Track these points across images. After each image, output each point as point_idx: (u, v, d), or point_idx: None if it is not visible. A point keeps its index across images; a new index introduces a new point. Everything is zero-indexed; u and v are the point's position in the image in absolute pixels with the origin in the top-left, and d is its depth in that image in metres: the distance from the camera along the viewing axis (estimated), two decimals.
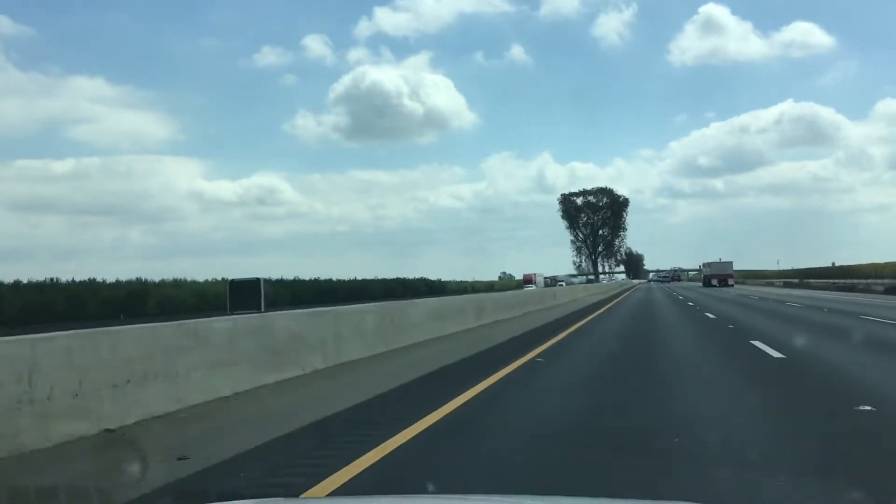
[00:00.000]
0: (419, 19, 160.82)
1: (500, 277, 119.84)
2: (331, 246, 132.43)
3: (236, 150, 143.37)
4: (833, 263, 78.94)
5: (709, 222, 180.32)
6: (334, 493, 3.98)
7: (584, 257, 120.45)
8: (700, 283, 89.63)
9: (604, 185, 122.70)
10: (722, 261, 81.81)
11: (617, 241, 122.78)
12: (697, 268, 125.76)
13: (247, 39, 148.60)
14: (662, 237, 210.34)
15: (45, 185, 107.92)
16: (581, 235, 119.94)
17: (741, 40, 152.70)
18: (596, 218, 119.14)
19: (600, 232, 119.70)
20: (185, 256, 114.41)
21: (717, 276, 76.17)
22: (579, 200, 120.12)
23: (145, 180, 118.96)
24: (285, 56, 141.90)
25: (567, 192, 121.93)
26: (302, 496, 3.91)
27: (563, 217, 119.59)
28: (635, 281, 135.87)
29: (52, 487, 4.21)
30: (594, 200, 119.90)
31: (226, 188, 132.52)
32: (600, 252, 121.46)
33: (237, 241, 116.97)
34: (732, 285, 73.26)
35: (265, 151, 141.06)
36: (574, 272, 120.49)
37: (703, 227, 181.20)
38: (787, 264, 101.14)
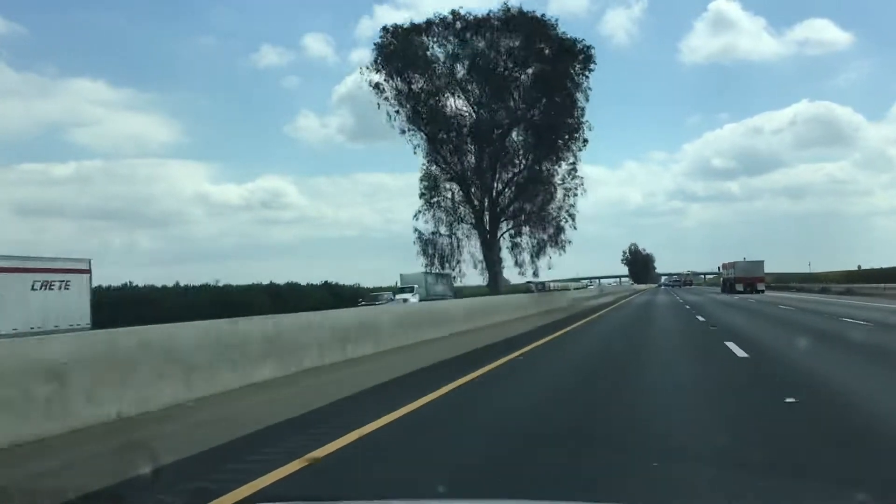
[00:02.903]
0: (419, 18, 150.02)
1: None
2: (339, 250, 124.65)
3: (241, 152, 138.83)
4: (859, 267, 67.18)
5: (723, 226, 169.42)
6: None
7: (453, 222, 37.96)
8: (719, 289, 74.80)
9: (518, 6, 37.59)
10: (748, 260, 64.78)
11: (556, 178, 37.84)
12: (717, 270, 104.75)
13: (247, 39, 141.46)
14: (676, 241, 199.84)
15: (48, 190, 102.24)
16: (445, 158, 37.29)
17: (754, 38, 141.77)
18: (499, 105, 36.88)
19: (508, 141, 37.59)
20: (193, 262, 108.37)
21: (744, 279, 60.55)
22: (441, 51, 37.03)
23: (150, 184, 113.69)
24: (286, 56, 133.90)
25: (409, 22, 37.79)
26: None
27: (393, 102, 36.37)
28: (642, 286, 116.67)
29: None
30: (485, 49, 36.51)
31: (232, 192, 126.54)
32: (508, 211, 38.35)
33: (245, 246, 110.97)
34: (763, 291, 58.04)
35: (270, 154, 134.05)
36: (426, 268, 42.73)
37: (718, 230, 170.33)
38: (801, 268, 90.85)
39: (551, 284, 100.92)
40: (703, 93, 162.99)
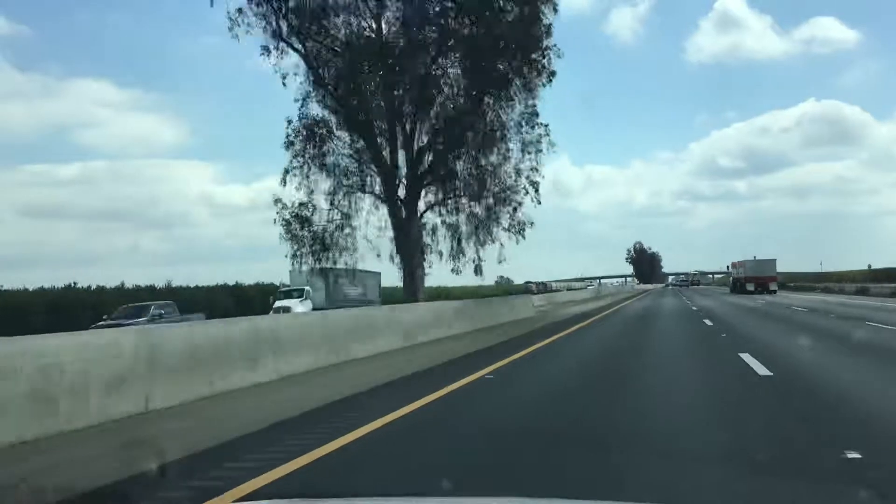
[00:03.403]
0: None
1: (496, 282, 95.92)
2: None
3: (246, 153, 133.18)
4: (869, 266, 63.86)
5: (731, 225, 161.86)
6: None
7: (337, 186, 21.86)
8: (728, 289, 67.60)
9: None
10: (759, 258, 59.39)
11: (510, 126, 22.57)
12: (725, 269, 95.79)
13: (253, 38, 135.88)
14: (683, 240, 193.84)
15: (53, 191, 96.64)
16: (337, 93, 21.51)
17: (760, 36, 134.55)
18: (420, 13, 21.31)
19: (434, 69, 22.02)
20: (199, 262, 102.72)
21: (755, 279, 55.91)
22: None
23: (156, 185, 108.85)
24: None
25: None
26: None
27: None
28: (647, 286, 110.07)
29: None
30: None
31: (238, 192, 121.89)
32: (436, 173, 22.39)
33: (251, 248, 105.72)
34: (775, 291, 53.40)
35: (276, 154, 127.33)
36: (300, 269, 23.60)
37: (726, 229, 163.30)
38: (811, 267, 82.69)
39: (553, 284, 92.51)
40: (709, 92, 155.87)
